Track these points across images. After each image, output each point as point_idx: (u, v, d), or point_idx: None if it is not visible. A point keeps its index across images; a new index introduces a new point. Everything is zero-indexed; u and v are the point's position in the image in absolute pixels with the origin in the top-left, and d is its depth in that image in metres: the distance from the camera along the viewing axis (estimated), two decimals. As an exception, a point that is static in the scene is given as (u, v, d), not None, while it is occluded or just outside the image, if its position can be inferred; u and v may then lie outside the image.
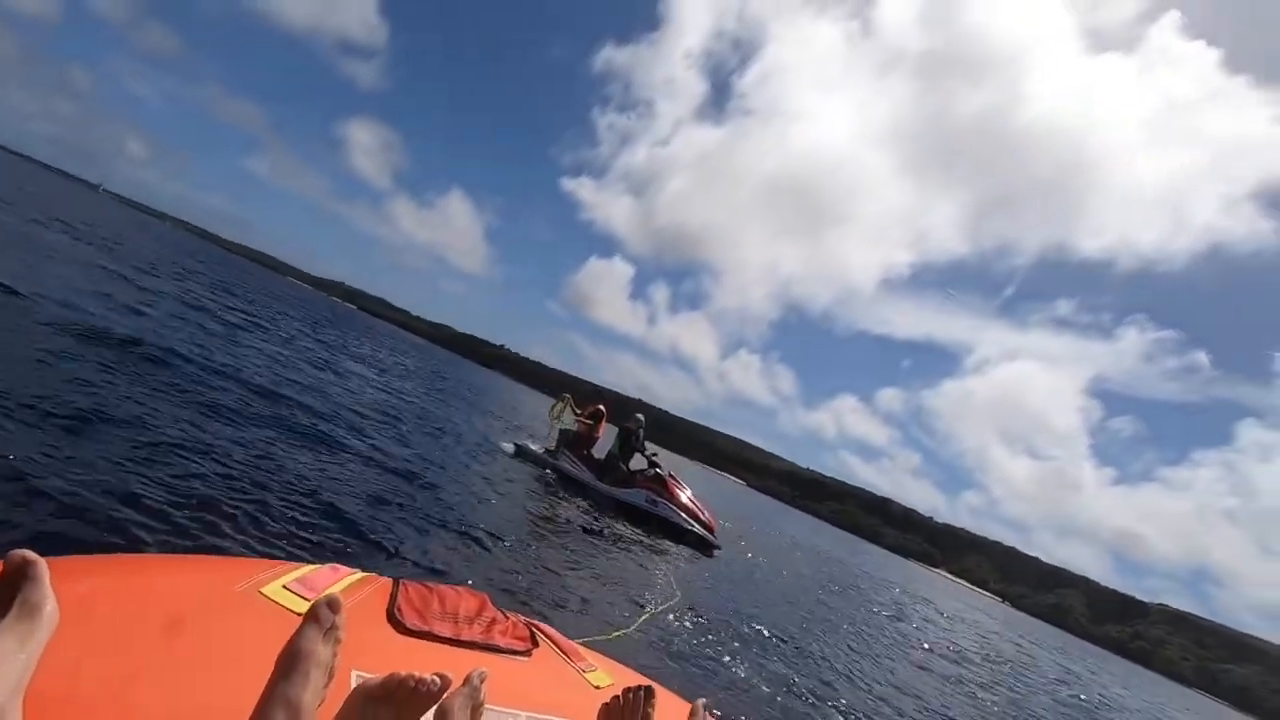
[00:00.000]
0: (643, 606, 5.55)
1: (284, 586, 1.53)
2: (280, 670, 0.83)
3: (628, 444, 12.16)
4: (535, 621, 2.03)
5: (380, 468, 6.41)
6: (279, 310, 23.01)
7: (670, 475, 11.62)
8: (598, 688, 1.88)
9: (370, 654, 1.44)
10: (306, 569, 1.68)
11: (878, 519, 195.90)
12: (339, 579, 1.73)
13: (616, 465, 12.04)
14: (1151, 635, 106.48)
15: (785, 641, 6.52)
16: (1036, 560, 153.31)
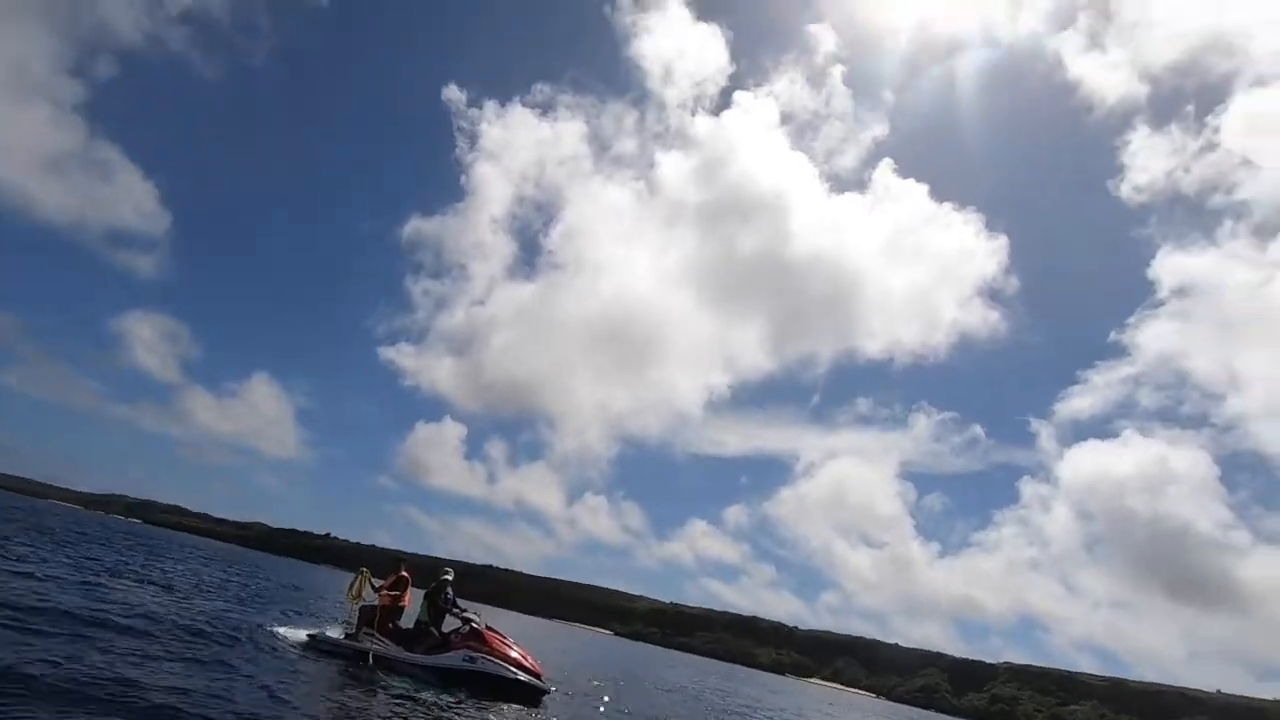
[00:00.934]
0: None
1: None
2: None
3: (436, 605, 11.54)
4: None
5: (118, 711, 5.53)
6: (27, 542, 19.36)
7: (488, 627, 11.25)
8: None
9: None
10: None
11: (749, 640, 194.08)
12: None
13: (427, 631, 11.39)
14: (1005, 694, 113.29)
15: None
16: (896, 646, 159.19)
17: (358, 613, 11.67)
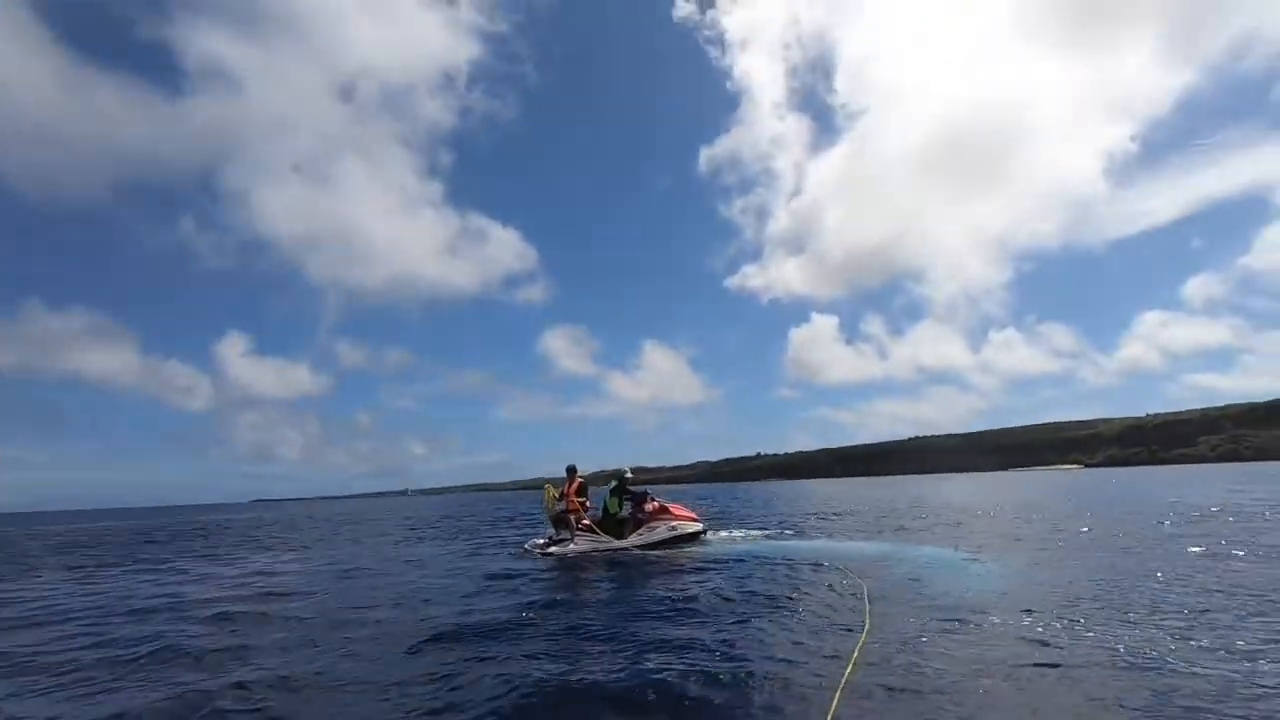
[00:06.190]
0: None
1: None
2: None
3: (623, 493, 13.41)
4: None
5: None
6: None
7: (660, 503, 13.29)
8: None
9: None
10: None
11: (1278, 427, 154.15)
12: None
13: (622, 519, 13.10)
14: None
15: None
16: None
17: (562, 521, 13.12)
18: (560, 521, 13.01)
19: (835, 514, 22.32)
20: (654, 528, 12.92)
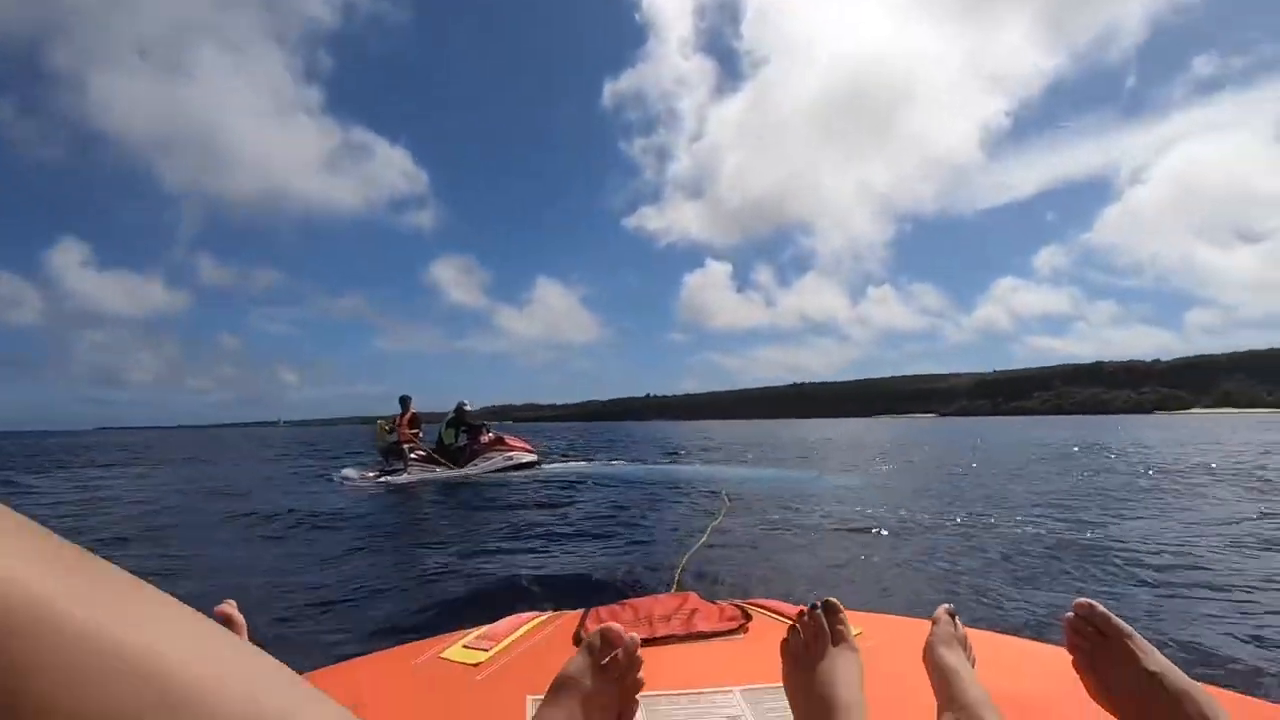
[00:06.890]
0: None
1: (464, 646, 1.52)
2: (546, 697, 0.77)
3: (460, 424, 13.17)
4: (751, 600, 1.85)
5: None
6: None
7: (496, 433, 13.46)
8: None
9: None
10: (487, 626, 1.68)
11: (1097, 386, 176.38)
12: (523, 623, 1.71)
13: (459, 449, 12.95)
14: None
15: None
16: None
17: (394, 452, 12.32)
18: (392, 452, 12.47)
19: (714, 448, 23.18)
20: (489, 457, 12.95)
